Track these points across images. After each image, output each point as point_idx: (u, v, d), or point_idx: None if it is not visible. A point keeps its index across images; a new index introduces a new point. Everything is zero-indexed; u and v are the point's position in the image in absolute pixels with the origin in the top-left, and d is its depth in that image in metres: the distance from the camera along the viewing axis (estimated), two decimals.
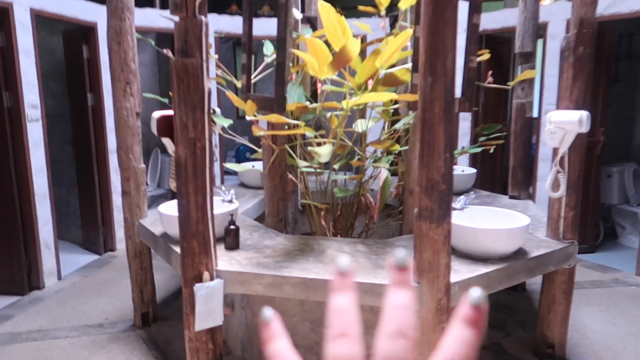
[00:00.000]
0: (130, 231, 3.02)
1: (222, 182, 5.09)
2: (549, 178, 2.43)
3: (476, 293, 0.29)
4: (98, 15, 4.25)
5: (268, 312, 0.32)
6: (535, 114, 3.93)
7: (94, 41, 4.31)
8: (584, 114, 2.27)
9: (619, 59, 5.18)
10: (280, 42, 2.49)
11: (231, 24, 5.01)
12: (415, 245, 1.91)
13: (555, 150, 2.45)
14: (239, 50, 6.56)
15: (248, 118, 2.49)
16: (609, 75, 4.38)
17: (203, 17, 1.97)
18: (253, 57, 2.94)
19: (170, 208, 2.53)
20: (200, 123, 1.99)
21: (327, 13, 2.34)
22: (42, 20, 3.90)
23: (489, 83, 3.05)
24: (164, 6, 5.04)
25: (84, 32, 4.29)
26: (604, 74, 4.28)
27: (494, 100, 4.98)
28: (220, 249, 2.33)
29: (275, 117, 2.34)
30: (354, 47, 2.26)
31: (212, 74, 4.27)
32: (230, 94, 2.64)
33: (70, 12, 4.04)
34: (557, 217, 2.45)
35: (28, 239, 3.68)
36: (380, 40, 2.86)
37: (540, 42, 4.11)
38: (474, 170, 3.65)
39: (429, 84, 1.84)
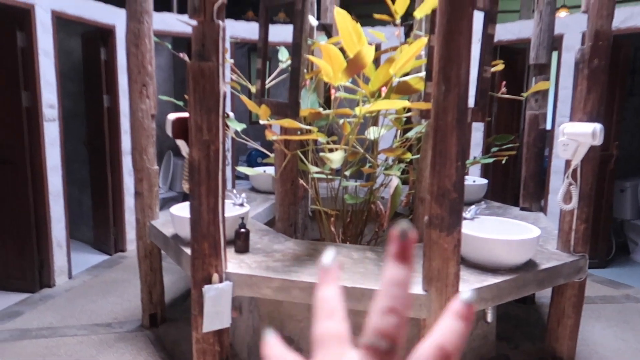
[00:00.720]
0: (141, 232, 3.05)
1: (234, 186, 5.12)
2: (561, 190, 2.42)
3: (468, 294, 0.31)
4: (116, 18, 4.32)
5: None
6: (548, 126, 3.92)
7: (112, 43, 4.37)
8: (597, 126, 2.26)
9: (634, 72, 5.15)
10: (296, 48, 2.51)
11: (247, 29, 5.06)
12: (424, 253, 1.91)
13: (568, 163, 2.44)
14: (254, 55, 6.61)
15: (262, 122, 2.51)
16: (624, 88, 4.35)
17: (220, 22, 2.00)
18: (268, 62, 2.97)
19: (181, 209, 2.55)
20: (214, 126, 2.01)
21: (342, 19, 2.36)
22: (61, 22, 3.97)
23: (502, 93, 3.05)
24: (181, 11, 5.10)
25: (102, 35, 4.36)
26: (619, 87, 4.25)
27: (507, 111, 4.96)
28: (230, 252, 2.34)
29: (288, 122, 2.36)
30: (369, 53, 2.27)
31: (227, 78, 4.31)
32: (244, 98, 2.67)
33: (89, 15, 4.11)
34: (569, 230, 2.44)
35: (41, 237, 3.73)
36: (394, 48, 2.87)
37: (555, 54, 4.10)
38: (485, 181, 3.64)
39: (442, 93, 1.85)
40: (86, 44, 4.61)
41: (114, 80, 4.40)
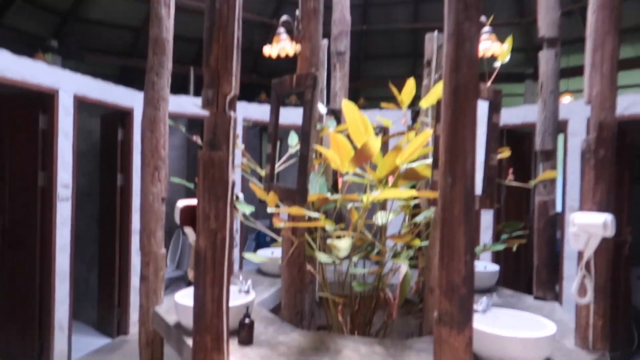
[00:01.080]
0: (144, 318, 2.98)
1: (241, 267, 5.07)
2: (575, 283, 2.34)
3: None
4: (134, 101, 4.52)
5: None
6: (559, 209, 3.88)
7: (129, 124, 4.54)
8: (608, 218, 2.23)
9: None
10: (305, 136, 2.58)
11: (260, 111, 5.24)
12: (435, 351, 1.83)
13: (580, 253, 2.39)
14: (265, 135, 6.80)
15: (269, 210, 2.53)
16: (631, 173, 4.35)
17: (232, 113, 2.07)
18: (278, 144, 3.04)
19: (186, 297, 2.50)
20: (222, 214, 2.02)
21: (350, 111, 2.44)
22: (83, 104, 4.15)
23: (510, 180, 3.06)
24: (197, 93, 5.34)
25: (121, 116, 4.54)
26: (627, 172, 4.25)
27: (516, 195, 4.95)
28: (234, 343, 2.26)
29: (296, 210, 2.37)
30: (375, 144, 2.32)
31: (238, 161, 4.40)
32: (253, 185, 2.71)
33: (110, 98, 4.30)
34: (586, 326, 2.33)
35: (43, 319, 3.66)
36: (401, 133, 2.93)
37: (561, 136, 4.15)
38: (496, 267, 3.55)
39: (449, 185, 1.85)
40: (105, 125, 4.79)
41: (129, 160, 4.52)
